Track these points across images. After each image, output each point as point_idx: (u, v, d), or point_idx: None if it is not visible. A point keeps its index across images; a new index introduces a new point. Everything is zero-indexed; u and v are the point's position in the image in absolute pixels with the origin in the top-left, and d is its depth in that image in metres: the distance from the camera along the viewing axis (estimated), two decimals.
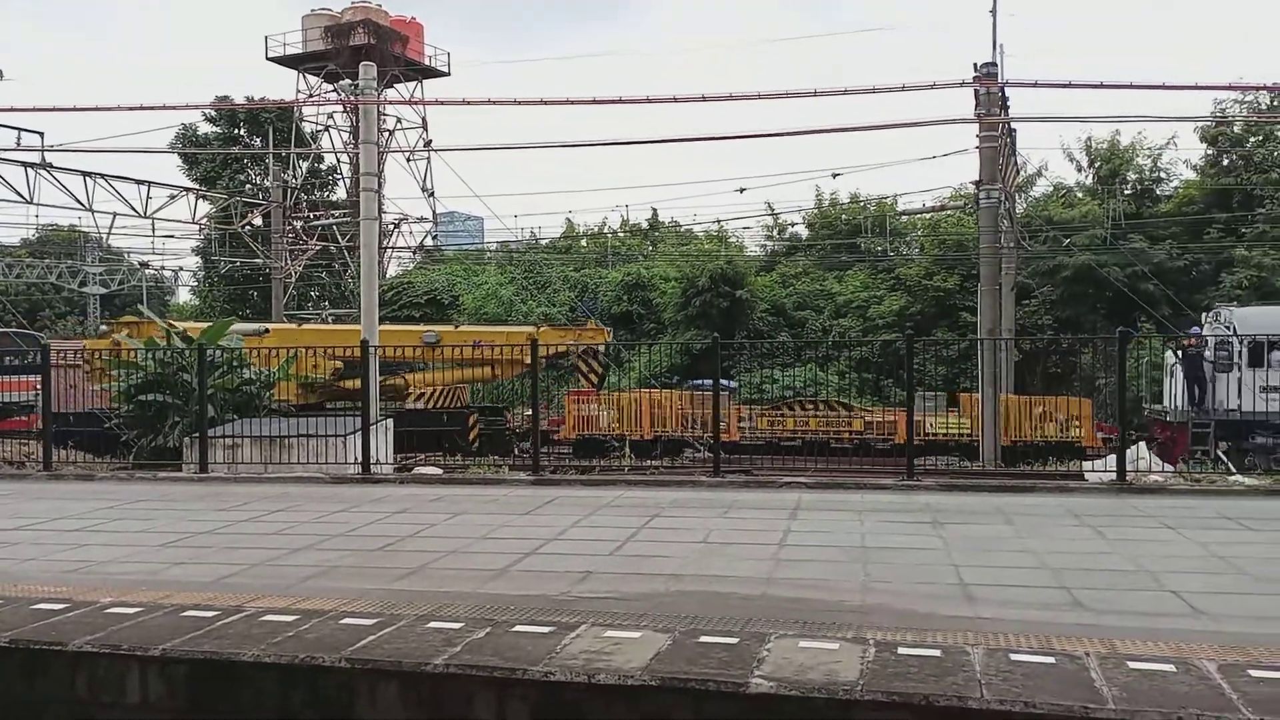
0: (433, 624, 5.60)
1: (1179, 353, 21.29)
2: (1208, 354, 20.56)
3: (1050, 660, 4.83)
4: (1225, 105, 35.10)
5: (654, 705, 4.69)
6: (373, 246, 17.49)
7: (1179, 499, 10.26)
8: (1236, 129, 35.68)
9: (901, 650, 5.00)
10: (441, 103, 35.54)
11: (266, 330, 26.25)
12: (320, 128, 49.09)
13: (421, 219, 48.12)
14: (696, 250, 43.62)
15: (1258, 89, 31.45)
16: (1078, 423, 22.65)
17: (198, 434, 13.84)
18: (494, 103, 16.54)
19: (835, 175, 45.09)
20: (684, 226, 49.29)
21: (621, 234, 51.03)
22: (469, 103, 17.02)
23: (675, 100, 16.69)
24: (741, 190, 45.14)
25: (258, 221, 41.91)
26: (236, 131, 49.77)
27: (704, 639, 5.24)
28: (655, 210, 50.77)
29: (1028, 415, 22.84)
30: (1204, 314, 25.06)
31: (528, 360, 25.12)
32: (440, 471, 16.16)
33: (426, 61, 48.37)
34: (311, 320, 41.10)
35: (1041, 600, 6.13)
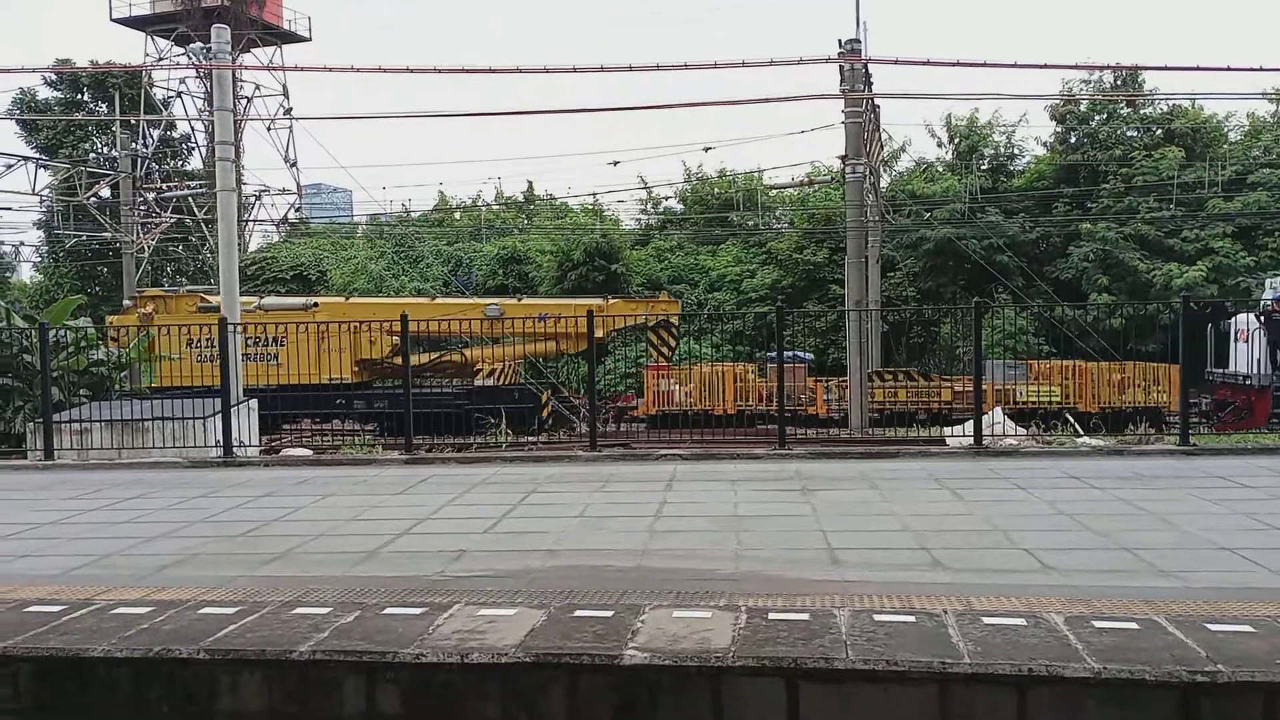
0: (299, 610, 5.42)
1: (1262, 318, 21.85)
2: None
3: (911, 619, 5.01)
4: (1072, 85, 36.93)
5: (528, 682, 4.67)
6: (231, 219, 16.72)
7: (1030, 460, 10.81)
8: (1083, 108, 37.58)
9: (772, 616, 5.11)
10: (301, 69, 34.31)
11: (315, 304, 24.98)
12: (172, 94, 46.73)
13: (284, 191, 46.43)
14: (572, 223, 43.42)
15: (1102, 69, 33.24)
16: (1159, 388, 22.82)
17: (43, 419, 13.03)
18: (357, 70, 16.00)
19: (707, 149, 45.68)
20: (559, 199, 49.01)
21: (496, 207, 50.37)
22: (331, 69, 16.42)
23: (546, 71, 16.51)
24: (615, 163, 45.11)
25: (105, 193, 39.60)
26: (80, 97, 46.83)
27: (579, 613, 5.24)
28: (531, 183, 50.33)
29: (1108, 382, 22.95)
30: (1269, 279, 25.75)
31: (598, 334, 24.57)
32: (309, 453, 15.71)
33: (285, 25, 46.53)
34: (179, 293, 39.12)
35: (904, 561, 6.37)
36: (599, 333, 24.51)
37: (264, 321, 22.70)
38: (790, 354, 26.72)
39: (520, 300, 27.75)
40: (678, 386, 23.89)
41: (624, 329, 27.00)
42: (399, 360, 25.06)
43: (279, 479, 10.71)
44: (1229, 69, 16.93)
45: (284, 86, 46.09)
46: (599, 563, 6.50)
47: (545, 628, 5.02)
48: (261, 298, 27.50)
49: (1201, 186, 33.73)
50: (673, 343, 26.03)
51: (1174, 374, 23.19)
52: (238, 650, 4.88)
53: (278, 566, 6.62)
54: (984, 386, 23.16)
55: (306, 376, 17.70)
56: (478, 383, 24.41)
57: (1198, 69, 16.41)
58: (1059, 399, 22.91)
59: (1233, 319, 23.90)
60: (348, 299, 28.58)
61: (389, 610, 5.38)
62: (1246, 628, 4.79)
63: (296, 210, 49.71)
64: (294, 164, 47.30)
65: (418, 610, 5.36)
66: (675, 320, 25.58)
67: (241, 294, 19.19)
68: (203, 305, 24.62)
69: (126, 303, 26.64)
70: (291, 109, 46.11)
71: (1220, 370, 24.19)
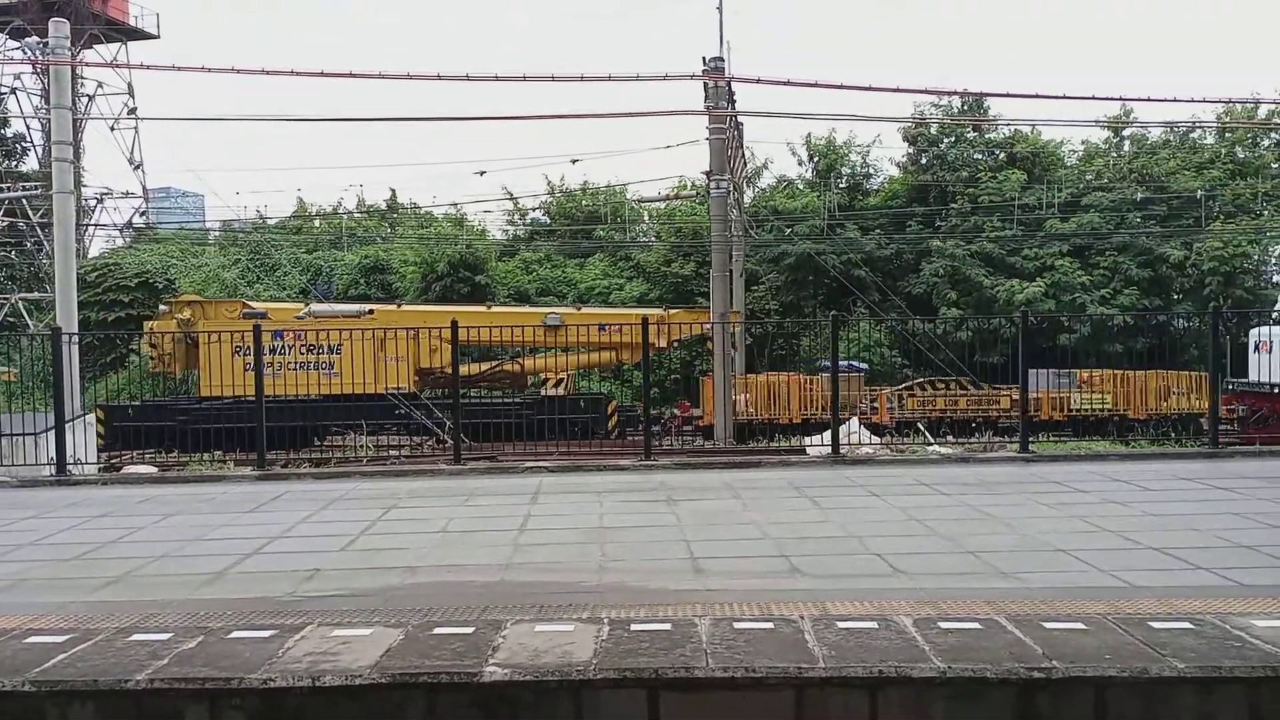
0: (136, 636, 5.12)
1: None
2: None
3: (770, 626, 5.10)
4: (923, 108, 38.67)
5: (384, 703, 4.54)
6: (69, 223, 15.78)
7: (885, 468, 11.21)
8: (933, 130, 39.37)
9: (634, 627, 5.12)
10: (148, 67, 32.35)
11: (370, 311, 23.69)
12: (5, 90, 43.71)
13: (129, 194, 44.09)
14: (437, 233, 42.71)
15: (950, 94, 34.95)
16: (1198, 397, 22.77)
17: None
18: (209, 70, 15.33)
19: (574, 161, 45.68)
20: (423, 209, 48.17)
21: (358, 215, 49.11)
22: (180, 69, 15.67)
23: (410, 77, 16.23)
24: (481, 174, 44.76)
25: None
26: None
27: (438, 630, 5.13)
28: (394, 191, 49.31)
29: (1147, 390, 23.12)
30: None
31: (660, 344, 23.72)
32: (154, 470, 14.92)
33: (132, 21, 44.26)
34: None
35: (764, 569, 6.49)
36: (660, 342, 24.25)
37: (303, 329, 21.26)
38: (845, 364, 26.74)
39: (580, 310, 27.17)
40: (740, 396, 23.69)
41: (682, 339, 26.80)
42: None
43: (119, 498, 10.12)
44: (1065, 97, 18.07)
45: (129, 85, 43.79)
46: (461, 579, 6.38)
47: (402, 647, 4.88)
48: (310, 304, 25.95)
49: (1041, 207, 35.78)
50: (731, 352, 25.74)
51: (1204, 381, 24.09)
52: (67, 681, 4.57)
53: (114, 591, 6.24)
54: (1034, 395, 23.76)
55: (364, 386, 16.78)
56: (543, 393, 23.84)
57: (1037, 96, 17.43)
58: (1110, 407, 23.55)
59: (1253, 330, 24.68)
60: (399, 306, 27.39)
61: (235, 634, 5.14)
62: (1079, 625, 5.07)
63: (142, 214, 47.30)
64: (139, 166, 45.00)
65: (267, 633, 5.14)
66: (736, 330, 25.54)
67: (82, 302, 18.12)
68: (246, 312, 23.15)
69: (162, 308, 24.78)
70: (136, 109, 43.83)
71: (1240, 380, 24.70)
